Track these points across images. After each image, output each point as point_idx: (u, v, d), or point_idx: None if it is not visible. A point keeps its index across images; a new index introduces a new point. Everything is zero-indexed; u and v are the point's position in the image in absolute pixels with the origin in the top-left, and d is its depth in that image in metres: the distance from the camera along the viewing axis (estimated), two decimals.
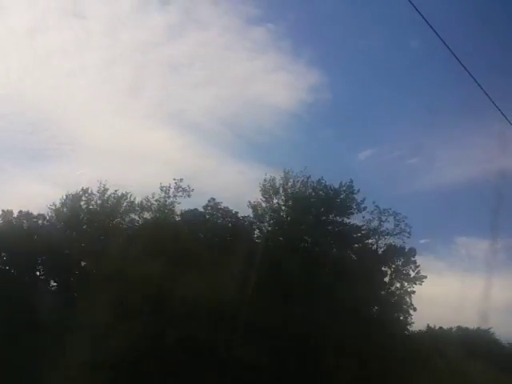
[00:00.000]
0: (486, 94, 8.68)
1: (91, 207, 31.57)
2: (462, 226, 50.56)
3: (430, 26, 6.82)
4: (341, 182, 31.12)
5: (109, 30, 52.35)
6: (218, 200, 30.54)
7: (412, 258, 32.53)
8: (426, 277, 32.02)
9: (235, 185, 44.43)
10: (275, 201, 30.83)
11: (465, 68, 7.96)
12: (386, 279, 31.86)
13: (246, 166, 51.02)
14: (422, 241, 51.62)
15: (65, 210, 31.57)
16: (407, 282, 31.89)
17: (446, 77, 54.52)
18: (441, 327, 41.11)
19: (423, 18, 6.54)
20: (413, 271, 32.33)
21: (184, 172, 41.65)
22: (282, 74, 56.77)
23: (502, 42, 48.12)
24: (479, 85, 8.45)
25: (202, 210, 30.49)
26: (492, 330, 40.70)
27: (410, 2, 6.22)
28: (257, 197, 30.66)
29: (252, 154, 54.84)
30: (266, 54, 58.22)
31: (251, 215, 30.90)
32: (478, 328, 40.62)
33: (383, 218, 31.48)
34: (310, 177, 31.10)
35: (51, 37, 48.75)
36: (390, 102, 58.43)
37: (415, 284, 31.93)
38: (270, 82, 55.40)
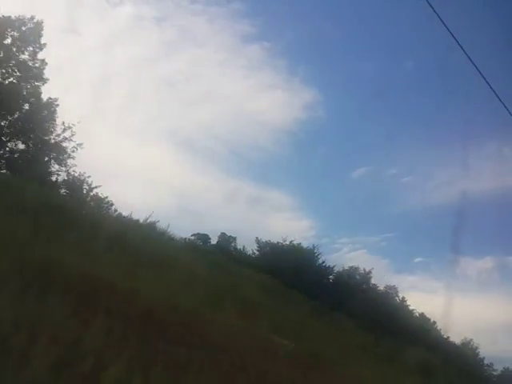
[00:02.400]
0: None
1: None
2: (457, 244, 51.58)
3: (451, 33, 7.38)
4: None
5: (104, 46, 49.44)
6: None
7: None
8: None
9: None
10: None
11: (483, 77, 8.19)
12: None
13: (241, 183, 53.22)
14: (417, 259, 54.77)
15: None
16: None
17: (439, 97, 59.88)
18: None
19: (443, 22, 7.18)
20: None
21: (179, 189, 43.98)
22: (277, 91, 57.73)
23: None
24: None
25: None
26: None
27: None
28: None
29: (247, 170, 57.66)
30: (262, 71, 59.00)
31: None
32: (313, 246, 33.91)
33: None
34: None
35: (46, 53, 46.52)
36: (383, 120, 60.56)
37: None
38: (265, 99, 56.43)
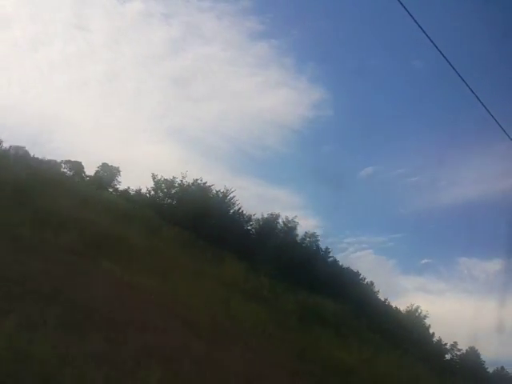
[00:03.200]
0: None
1: None
2: (463, 246, 51.67)
3: (437, 48, 7.28)
4: None
5: (111, 43, 50.56)
6: None
7: None
8: None
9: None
10: None
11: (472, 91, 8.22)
12: None
13: (247, 181, 50.97)
14: (424, 261, 54.00)
15: None
16: None
17: (448, 97, 57.90)
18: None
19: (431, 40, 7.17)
20: None
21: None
22: (285, 89, 56.70)
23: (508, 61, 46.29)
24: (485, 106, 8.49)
25: None
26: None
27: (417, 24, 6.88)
28: None
29: (253, 169, 55.62)
30: (269, 69, 58.56)
31: None
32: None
33: None
34: None
35: (54, 49, 47.02)
36: (391, 120, 59.96)
37: None
38: (272, 97, 55.14)
